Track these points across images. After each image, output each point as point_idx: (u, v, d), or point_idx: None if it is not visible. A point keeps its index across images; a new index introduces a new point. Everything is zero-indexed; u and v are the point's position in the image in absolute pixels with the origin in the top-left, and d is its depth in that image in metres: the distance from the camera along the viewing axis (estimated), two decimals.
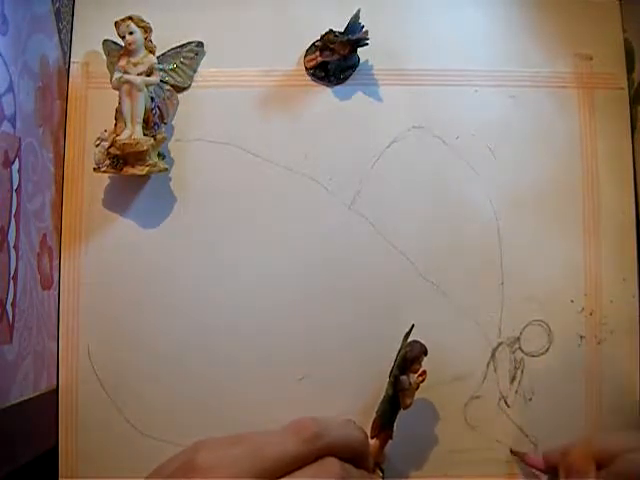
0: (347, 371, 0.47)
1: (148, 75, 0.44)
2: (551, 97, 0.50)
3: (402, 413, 0.42)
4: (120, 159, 0.44)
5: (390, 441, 0.43)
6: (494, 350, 0.47)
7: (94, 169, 0.45)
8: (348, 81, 0.49)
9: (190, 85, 0.49)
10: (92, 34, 0.48)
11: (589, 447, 0.41)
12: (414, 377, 0.41)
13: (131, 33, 0.43)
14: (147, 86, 0.44)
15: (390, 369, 0.42)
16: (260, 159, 0.48)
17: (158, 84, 0.46)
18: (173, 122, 0.48)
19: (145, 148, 0.43)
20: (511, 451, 0.46)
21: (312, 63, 0.49)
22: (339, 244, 0.48)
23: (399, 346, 0.43)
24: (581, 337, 0.48)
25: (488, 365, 0.47)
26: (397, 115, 0.49)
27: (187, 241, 0.48)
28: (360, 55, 0.49)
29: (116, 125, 0.45)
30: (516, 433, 0.47)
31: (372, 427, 0.43)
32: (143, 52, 0.44)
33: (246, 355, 0.46)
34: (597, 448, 0.41)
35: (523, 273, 0.48)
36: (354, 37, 0.46)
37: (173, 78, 0.48)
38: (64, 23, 0.48)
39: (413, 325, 0.43)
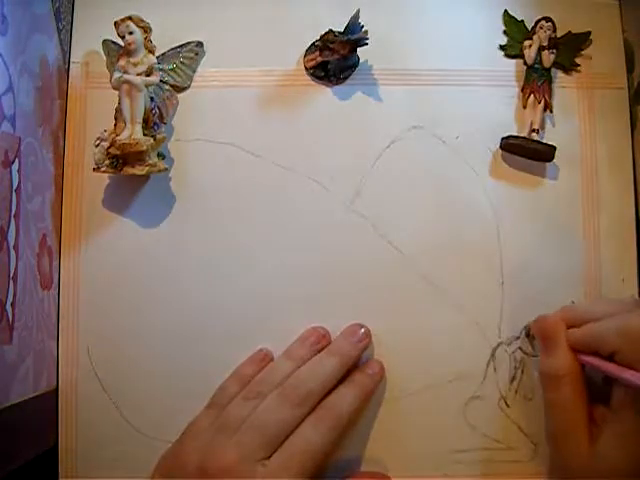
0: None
1: (148, 75, 0.44)
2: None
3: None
4: (120, 159, 0.44)
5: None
6: (494, 350, 0.47)
7: (94, 169, 0.45)
8: (348, 81, 0.49)
9: (190, 85, 0.49)
10: (92, 34, 0.48)
11: (561, 313, 0.42)
12: None
13: (131, 33, 0.43)
14: (147, 86, 0.44)
15: None
16: (260, 159, 0.48)
17: (158, 84, 0.46)
18: (173, 122, 0.48)
19: (145, 148, 0.43)
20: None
21: (312, 63, 0.49)
22: (339, 244, 0.48)
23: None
24: None
25: (488, 365, 0.47)
26: (397, 115, 0.49)
27: (187, 241, 0.48)
28: (360, 55, 0.49)
29: (116, 125, 0.45)
30: (516, 433, 0.47)
31: None
32: (143, 52, 0.44)
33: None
34: (569, 314, 0.42)
35: (523, 273, 0.48)
36: (354, 37, 0.46)
37: (173, 78, 0.48)
38: (64, 23, 0.48)
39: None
